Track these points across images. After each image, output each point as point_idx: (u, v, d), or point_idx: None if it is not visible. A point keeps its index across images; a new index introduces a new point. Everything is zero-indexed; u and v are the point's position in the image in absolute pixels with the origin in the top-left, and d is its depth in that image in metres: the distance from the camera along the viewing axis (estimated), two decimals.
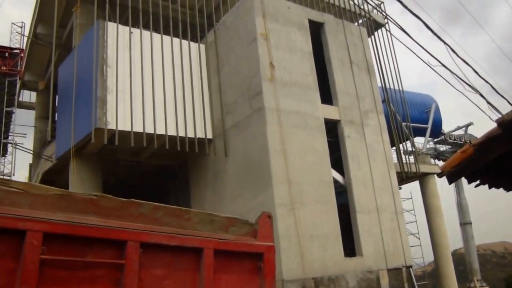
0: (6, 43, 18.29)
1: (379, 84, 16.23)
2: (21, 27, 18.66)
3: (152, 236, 3.74)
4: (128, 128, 11.84)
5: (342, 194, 12.92)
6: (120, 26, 12.58)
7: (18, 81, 17.74)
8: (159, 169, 16.89)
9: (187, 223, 4.08)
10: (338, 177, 12.72)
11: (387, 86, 17.08)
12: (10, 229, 3.13)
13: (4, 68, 17.17)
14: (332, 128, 13.17)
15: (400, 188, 17.41)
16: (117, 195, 3.86)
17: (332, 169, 12.38)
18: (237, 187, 12.00)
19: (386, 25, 18.83)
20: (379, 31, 18.77)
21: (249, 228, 4.52)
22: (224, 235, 4.27)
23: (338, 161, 13.03)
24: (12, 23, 18.75)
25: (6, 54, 17.39)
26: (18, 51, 17.64)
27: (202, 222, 4.20)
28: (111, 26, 12.44)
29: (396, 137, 16.22)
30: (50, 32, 16.96)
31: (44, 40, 18.09)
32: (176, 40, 13.33)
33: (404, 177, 16.73)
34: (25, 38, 18.87)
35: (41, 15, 17.47)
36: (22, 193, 3.36)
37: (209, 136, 13.09)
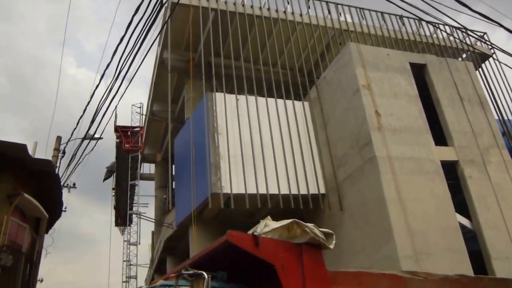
0: (128, 123, 20.31)
1: (496, 117, 15.17)
2: (139, 107, 20.68)
3: None
4: (242, 191, 12.20)
5: (471, 240, 11.90)
6: (227, 95, 13.34)
7: (139, 156, 19.38)
8: None
9: None
10: (465, 221, 11.79)
11: (505, 118, 15.91)
12: None
13: (128, 145, 18.91)
14: (451, 170, 12.42)
15: None
16: None
17: (457, 213, 11.55)
18: (357, 241, 11.62)
19: (493, 55, 17.87)
20: (487, 62, 17.84)
21: None
22: None
23: (461, 204, 12.14)
24: (132, 105, 20.86)
25: (129, 133, 19.22)
26: (138, 129, 19.43)
27: None
28: (219, 96, 13.25)
29: None
30: (164, 108, 18.56)
31: (159, 116, 19.81)
32: (280, 101, 13.80)
33: None
34: (143, 117, 20.82)
35: (156, 95, 19.26)
36: (423, 280, 4.60)
37: (322, 191, 13.00)
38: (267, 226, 4.05)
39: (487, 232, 11.53)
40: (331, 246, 4.10)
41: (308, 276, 3.81)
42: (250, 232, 4.03)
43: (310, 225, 3.99)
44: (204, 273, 3.17)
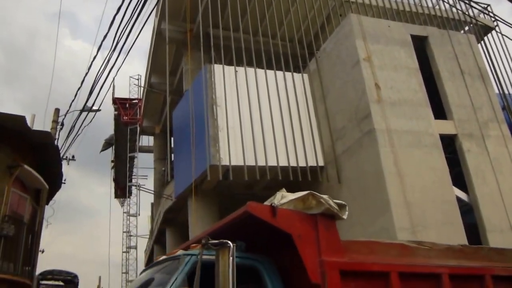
0: (126, 95, 20.20)
1: (497, 91, 15.09)
2: (137, 79, 20.54)
3: (498, 270, 5.01)
4: (241, 163, 12.22)
5: (468, 213, 12.01)
6: (226, 67, 13.21)
7: (138, 128, 19.35)
8: None
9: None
10: (462, 195, 11.88)
11: (506, 92, 15.82)
12: (428, 273, 4.54)
13: (126, 118, 18.88)
14: (449, 144, 12.44)
15: None
16: None
17: (454, 187, 11.62)
18: (354, 213, 11.56)
19: (496, 28, 17.62)
20: (489, 35, 17.61)
21: None
22: None
23: (459, 178, 12.21)
24: (130, 77, 20.74)
25: (127, 105, 19.15)
26: (136, 101, 19.34)
27: None
28: (217, 68, 13.13)
29: None
30: (162, 80, 18.44)
31: (157, 88, 19.67)
32: (279, 73, 13.68)
33: None
34: (142, 89, 20.69)
35: (154, 67, 19.08)
36: (429, 249, 4.86)
37: (321, 163, 13.04)
38: (284, 197, 4.21)
39: (484, 206, 11.63)
40: (344, 217, 4.34)
41: (323, 245, 4.04)
42: (267, 203, 4.17)
43: (325, 196, 4.16)
44: (229, 242, 3.24)
